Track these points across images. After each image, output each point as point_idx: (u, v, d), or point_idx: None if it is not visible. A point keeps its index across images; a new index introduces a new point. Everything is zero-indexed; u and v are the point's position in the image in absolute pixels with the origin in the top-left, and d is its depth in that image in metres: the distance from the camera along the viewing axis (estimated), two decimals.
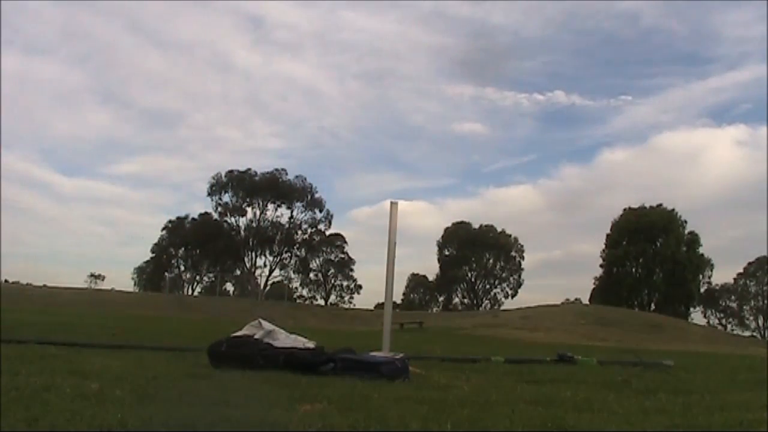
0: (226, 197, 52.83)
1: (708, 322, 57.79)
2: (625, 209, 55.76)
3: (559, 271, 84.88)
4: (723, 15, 74.77)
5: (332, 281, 61.10)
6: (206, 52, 78.25)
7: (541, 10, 75.46)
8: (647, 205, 55.07)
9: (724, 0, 73.91)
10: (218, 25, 76.77)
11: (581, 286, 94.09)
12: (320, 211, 53.73)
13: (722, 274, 70.30)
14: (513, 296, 62.28)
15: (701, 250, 54.45)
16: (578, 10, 74.91)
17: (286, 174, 53.04)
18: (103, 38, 72.88)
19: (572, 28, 77.09)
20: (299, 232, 54.46)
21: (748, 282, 60.47)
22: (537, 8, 75.33)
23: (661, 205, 54.74)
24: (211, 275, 57.71)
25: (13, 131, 76.98)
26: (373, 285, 62.24)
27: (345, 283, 61.20)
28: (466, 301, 63.82)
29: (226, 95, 77.88)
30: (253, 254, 53.89)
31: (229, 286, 59.14)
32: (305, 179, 53.29)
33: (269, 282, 55.70)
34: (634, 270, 54.64)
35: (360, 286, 60.88)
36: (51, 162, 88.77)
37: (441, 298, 65.67)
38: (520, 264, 63.11)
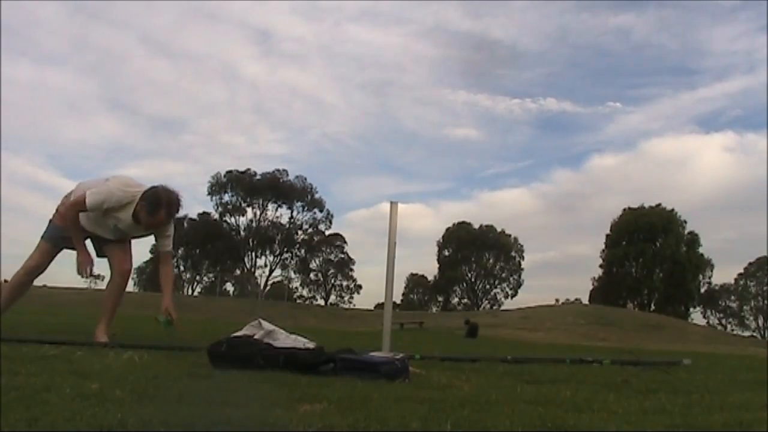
0: (226, 197, 52.95)
1: (708, 322, 57.91)
2: (624, 209, 55.87)
3: (555, 271, 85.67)
4: (710, 30, 77.20)
5: (332, 281, 61.17)
6: (214, 62, 78.99)
7: (538, 25, 78.17)
8: (646, 205, 55.13)
9: (711, 17, 78.26)
10: (227, 37, 78.16)
11: (578, 287, 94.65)
12: (320, 211, 53.84)
13: (722, 274, 70.93)
14: (513, 296, 62.49)
15: (701, 250, 54.59)
16: (573, 25, 77.55)
17: (287, 174, 53.17)
18: (113, 49, 73.74)
19: (567, 42, 79.24)
20: (299, 232, 54.54)
21: (748, 282, 60.53)
22: (534, 24, 77.92)
23: (660, 205, 54.81)
24: (210, 275, 57.71)
25: (22, 137, 77.35)
26: (372, 285, 62.40)
27: (345, 283, 61.33)
28: (465, 301, 63.89)
29: (231, 103, 78.52)
30: (253, 254, 53.96)
31: (229, 287, 59.19)
32: (305, 179, 53.42)
33: (269, 282, 55.73)
34: (633, 270, 54.69)
35: (360, 287, 61.06)
36: (57, 166, 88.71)
37: (440, 298, 65.73)
38: (519, 264, 63.26)
